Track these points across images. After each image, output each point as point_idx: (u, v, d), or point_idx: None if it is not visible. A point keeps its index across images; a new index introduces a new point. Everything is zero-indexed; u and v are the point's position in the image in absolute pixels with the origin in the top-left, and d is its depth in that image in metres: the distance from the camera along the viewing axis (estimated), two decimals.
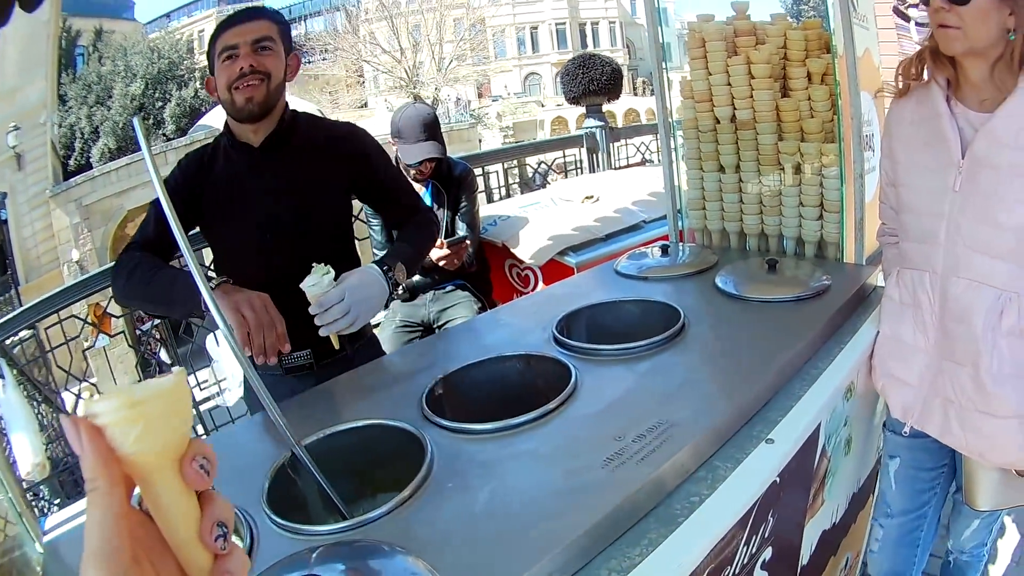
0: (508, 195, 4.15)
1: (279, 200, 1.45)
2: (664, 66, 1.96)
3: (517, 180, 4.62)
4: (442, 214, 2.35)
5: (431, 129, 2.27)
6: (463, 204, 2.40)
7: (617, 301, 1.50)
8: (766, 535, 1.06)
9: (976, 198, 1.18)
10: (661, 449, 0.96)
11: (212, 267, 1.76)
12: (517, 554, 0.78)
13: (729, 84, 1.76)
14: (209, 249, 1.62)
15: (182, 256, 0.99)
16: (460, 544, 0.81)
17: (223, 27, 1.41)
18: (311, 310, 1.28)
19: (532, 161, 4.54)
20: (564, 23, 28.59)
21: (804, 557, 1.28)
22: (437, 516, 0.87)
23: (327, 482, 0.94)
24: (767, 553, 1.08)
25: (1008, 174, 1.14)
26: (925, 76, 1.29)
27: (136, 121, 0.90)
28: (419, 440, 1.03)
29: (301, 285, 1.28)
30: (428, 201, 2.33)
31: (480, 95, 28.19)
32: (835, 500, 1.40)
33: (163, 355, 6.50)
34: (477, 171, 4.16)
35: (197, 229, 1.52)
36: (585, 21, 27.84)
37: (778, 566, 1.14)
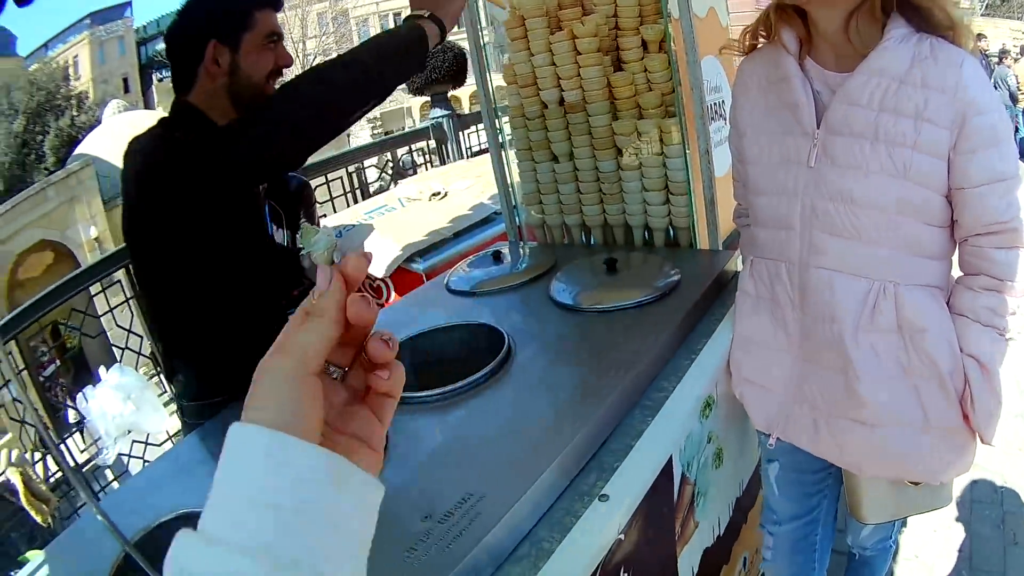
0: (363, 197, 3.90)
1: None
2: (483, 48, 1.76)
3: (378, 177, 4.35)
4: (281, 235, 2.16)
5: None
6: (302, 222, 2.19)
7: (438, 329, 1.27)
8: None
9: (833, 173, 0.98)
10: (472, 528, 0.76)
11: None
12: None
13: (554, 64, 1.56)
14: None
15: None
16: None
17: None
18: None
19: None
20: None
21: None
22: None
23: None
24: None
25: (868, 142, 0.95)
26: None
27: None
28: None
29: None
30: (266, 221, 2.16)
31: None
32: (712, 517, 1.24)
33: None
34: (351, 168, 3.98)
35: None
36: None
37: None
